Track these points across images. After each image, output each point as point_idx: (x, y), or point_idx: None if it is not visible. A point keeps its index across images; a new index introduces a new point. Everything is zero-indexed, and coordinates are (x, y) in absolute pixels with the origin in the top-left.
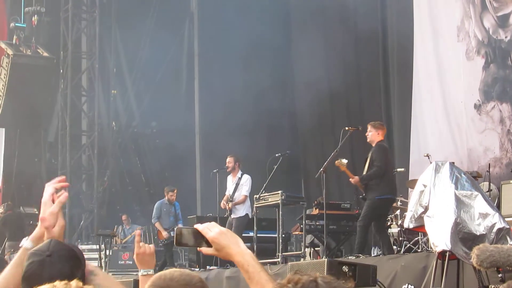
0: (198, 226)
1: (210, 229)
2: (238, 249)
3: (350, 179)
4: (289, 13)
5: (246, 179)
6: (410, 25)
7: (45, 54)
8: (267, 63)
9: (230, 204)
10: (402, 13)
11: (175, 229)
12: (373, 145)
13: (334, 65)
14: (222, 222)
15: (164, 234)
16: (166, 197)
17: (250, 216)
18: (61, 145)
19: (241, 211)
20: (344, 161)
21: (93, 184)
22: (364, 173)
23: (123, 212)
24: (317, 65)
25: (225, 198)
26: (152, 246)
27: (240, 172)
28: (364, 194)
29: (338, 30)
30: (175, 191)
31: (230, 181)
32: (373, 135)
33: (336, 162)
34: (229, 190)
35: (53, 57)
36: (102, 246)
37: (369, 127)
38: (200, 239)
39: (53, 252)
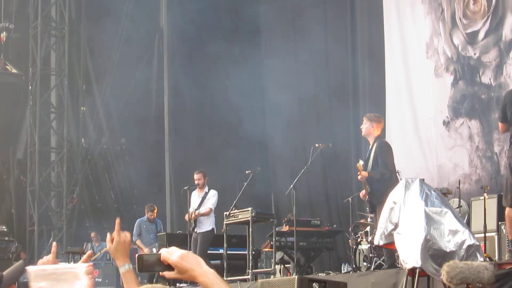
0: (161, 251)
1: (171, 254)
2: (201, 270)
3: (358, 175)
4: (260, 30)
5: (213, 194)
6: (381, 41)
7: (14, 70)
8: (238, 78)
9: (196, 212)
10: (373, 29)
11: (136, 256)
12: (369, 139)
13: (304, 82)
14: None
15: (145, 251)
16: (146, 216)
17: (215, 231)
18: (29, 162)
19: (206, 225)
20: (361, 162)
21: (62, 201)
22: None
23: (92, 229)
24: (287, 82)
25: (189, 213)
26: (128, 233)
27: (207, 187)
28: (370, 202)
29: (307, 44)
30: (155, 210)
31: (196, 196)
32: (367, 128)
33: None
34: (194, 205)
35: (22, 74)
36: (71, 263)
37: (364, 120)
38: (162, 263)
39: None
